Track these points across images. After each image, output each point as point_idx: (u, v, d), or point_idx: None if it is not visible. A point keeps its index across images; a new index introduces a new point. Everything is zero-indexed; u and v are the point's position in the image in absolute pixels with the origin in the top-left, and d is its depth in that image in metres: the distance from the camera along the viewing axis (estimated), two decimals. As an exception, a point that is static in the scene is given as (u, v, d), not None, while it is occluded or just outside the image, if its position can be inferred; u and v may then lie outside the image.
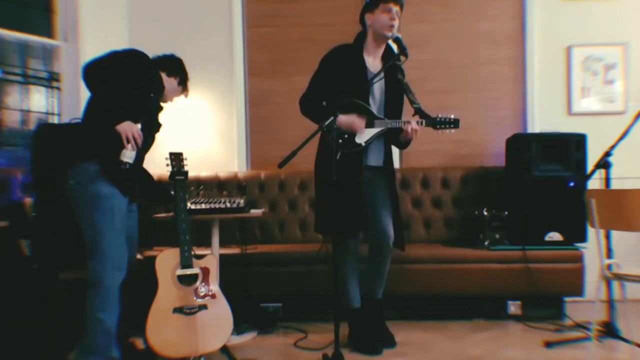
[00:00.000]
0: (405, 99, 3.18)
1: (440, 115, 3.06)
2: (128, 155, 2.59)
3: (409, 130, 3.01)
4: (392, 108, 3.16)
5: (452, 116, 3.06)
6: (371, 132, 3.07)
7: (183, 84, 3.06)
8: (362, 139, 3.06)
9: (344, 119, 3.02)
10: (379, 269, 3.21)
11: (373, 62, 3.16)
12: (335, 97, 2.97)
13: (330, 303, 2.76)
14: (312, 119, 3.11)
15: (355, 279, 3.19)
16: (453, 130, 3.07)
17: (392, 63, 3.06)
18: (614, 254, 3.10)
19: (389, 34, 3.07)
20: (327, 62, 3.18)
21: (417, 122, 3.04)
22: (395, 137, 3.14)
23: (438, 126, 3.06)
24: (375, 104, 3.13)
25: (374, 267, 3.20)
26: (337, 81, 3.07)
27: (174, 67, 3.01)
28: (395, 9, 3.04)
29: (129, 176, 2.67)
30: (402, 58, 3.07)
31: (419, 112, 3.06)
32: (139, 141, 2.61)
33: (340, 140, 3.05)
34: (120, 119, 2.58)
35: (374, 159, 3.17)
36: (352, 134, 3.07)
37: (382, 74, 3.06)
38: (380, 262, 3.20)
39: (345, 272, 3.16)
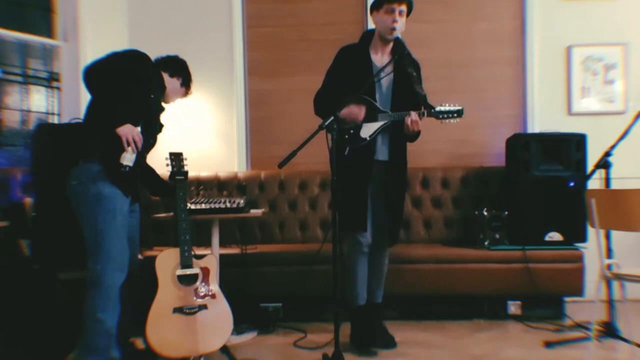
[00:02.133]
0: None
1: (442, 105, 3.00)
2: (128, 158, 2.59)
3: (408, 122, 2.96)
4: (401, 102, 3.09)
5: (456, 106, 3.00)
6: (375, 125, 3.04)
7: (186, 86, 3.05)
8: (366, 133, 3.04)
9: (343, 111, 3.02)
10: (376, 272, 3.23)
11: (381, 58, 3.14)
12: (343, 94, 2.98)
13: (330, 303, 2.76)
14: (323, 117, 3.09)
15: (365, 277, 3.16)
16: (458, 120, 3.00)
17: (394, 59, 3.04)
18: (614, 254, 3.10)
19: (389, 36, 3.06)
20: (337, 61, 3.19)
21: (419, 113, 2.98)
22: (402, 129, 3.07)
23: (441, 116, 2.99)
24: (382, 99, 3.11)
25: (371, 269, 3.21)
26: (346, 79, 3.07)
27: (177, 68, 3.01)
28: (399, 8, 3.01)
29: (130, 177, 2.67)
30: (412, 51, 3.06)
31: (423, 102, 3.01)
32: (139, 144, 2.61)
33: (346, 136, 3.05)
34: (121, 121, 2.58)
35: (382, 153, 3.14)
36: (358, 129, 3.06)
37: (390, 69, 3.05)
38: (377, 264, 3.22)
39: (354, 267, 3.13)
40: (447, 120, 3.00)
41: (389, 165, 3.15)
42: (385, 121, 3.04)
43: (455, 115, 2.99)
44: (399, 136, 3.14)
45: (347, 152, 3.01)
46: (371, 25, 4.36)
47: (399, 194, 3.21)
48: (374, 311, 3.24)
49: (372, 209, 3.12)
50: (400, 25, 3.05)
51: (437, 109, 2.99)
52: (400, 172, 3.20)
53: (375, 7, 3.09)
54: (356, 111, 3.03)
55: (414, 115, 2.97)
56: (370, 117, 3.05)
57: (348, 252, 3.13)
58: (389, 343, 3.15)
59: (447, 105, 3.01)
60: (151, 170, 3.03)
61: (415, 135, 3.09)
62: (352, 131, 3.06)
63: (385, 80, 3.11)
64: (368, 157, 3.08)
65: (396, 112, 3.05)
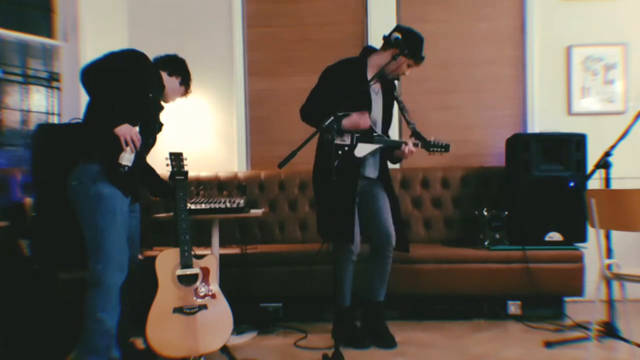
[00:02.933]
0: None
1: (433, 140, 3.21)
2: (127, 158, 2.59)
3: (406, 151, 3.15)
4: (386, 122, 3.31)
5: (445, 142, 3.22)
6: (370, 147, 3.15)
7: (185, 84, 3.05)
8: (360, 152, 3.14)
9: (346, 122, 3.08)
10: (381, 271, 3.24)
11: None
12: (336, 108, 2.97)
13: (330, 303, 2.76)
14: (313, 124, 3.12)
15: (350, 279, 3.21)
16: (443, 153, 3.26)
17: (378, 75, 3.13)
18: (614, 254, 3.10)
19: (393, 78, 3.23)
20: (329, 76, 3.21)
21: (413, 144, 3.17)
22: (390, 152, 3.29)
23: (431, 149, 3.22)
24: (373, 119, 3.19)
25: (376, 269, 3.23)
26: (340, 90, 3.07)
27: (176, 66, 3.00)
28: (415, 67, 3.19)
29: (130, 177, 2.67)
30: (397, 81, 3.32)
31: (414, 133, 3.22)
32: (138, 144, 2.61)
33: (340, 152, 3.12)
34: (119, 121, 2.58)
35: (370, 171, 3.25)
36: (352, 148, 3.13)
37: (377, 89, 3.21)
38: (382, 264, 3.23)
39: (341, 274, 3.16)
40: (434, 153, 3.24)
41: (378, 181, 3.27)
42: (381, 145, 3.18)
43: (443, 150, 3.24)
44: (386, 156, 3.33)
45: (337, 164, 3.03)
46: (371, 25, 4.38)
47: (396, 202, 3.34)
48: (376, 309, 3.25)
49: (370, 215, 3.21)
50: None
51: (429, 141, 3.21)
52: (391, 184, 3.35)
53: (399, 47, 3.05)
54: (361, 119, 3.10)
55: (410, 145, 3.16)
56: (367, 138, 3.15)
57: (337, 258, 3.13)
58: (390, 343, 3.16)
59: (435, 139, 3.23)
60: (151, 170, 3.03)
61: (400, 159, 3.34)
62: (346, 148, 3.12)
63: (377, 102, 3.22)
64: (356, 173, 3.17)
65: (384, 131, 3.27)
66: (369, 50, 3.29)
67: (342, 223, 3.08)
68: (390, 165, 3.39)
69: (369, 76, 3.18)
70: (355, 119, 3.08)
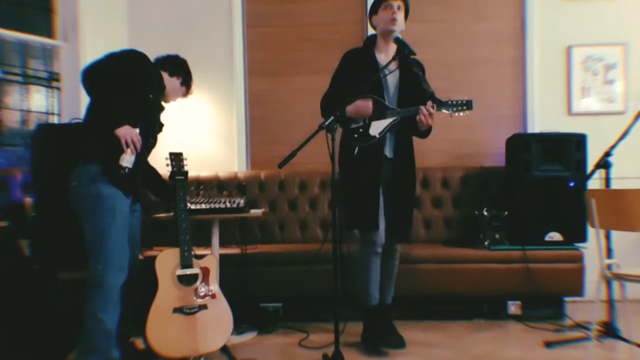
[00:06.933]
0: None
1: (452, 99, 2.97)
2: (127, 159, 2.59)
3: (422, 116, 2.94)
4: (409, 101, 3.08)
5: (465, 99, 2.95)
6: (384, 123, 3.05)
7: (186, 85, 3.05)
8: (375, 131, 3.06)
9: (350, 108, 3.05)
10: (387, 272, 3.24)
11: (385, 59, 3.16)
12: (352, 95, 2.99)
13: (330, 303, 2.76)
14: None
15: (377, 277, 3.16)
16: (467, 112, 2.94)
17: (402, 55, 3.06)
18: (614, 254, 3.10)
19: (392, 27, 3.08)
20: (342, 64, 3.23)
21: (431, 107, 2.95)
22: (414, 127, 3.07)
23: (451, 109, 2.95)
24: (389, 98, 3.13)
25: (382, 269, 3.21)
26: (352, 81, 3.08)
27: (177, 67, 3.00)
28: (395, 3, 3.07)
29: (131, 177, 2.67)
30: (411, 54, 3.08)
31: (431, 97, 3.01)
32: (138, 145, 2.61)
33: (355, 136, 3.08)
34: (119, 122, 2.58)
35: (389, 151, 3.15)
36: (366, 128, 3.07)
37: (394, 67, 3.08)
38: (387, 264, 3.22)
39: (368, 268, 3.13)
40: (457, 114, 2.95)
41: (395, 163, 3.15)
42: (395, 117, 3.05)
43: (464, 107, 2.94)
44: (406, 133, 3.17)
45: (357, 152, 3.03)
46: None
47: (408, 191, 3.21)
48: (384, 312, 3.24)
49: (382, 207, 3.12)
50: (400, 20, 3.10)
51: (446, 101, 2.95)
52: (409, 169, 3.19)
53: (373, 11, 3.18)
54: (364, 105, 3.05)
55: (423, 109, 2.94)
56: (379, 115, 3.06)
57: (361, 252, 3.14)
58: (399, 343, 3.14)
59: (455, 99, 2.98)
60: (155, 173, 3.02)
61: (427, 131, 3.12)
62: (361, 130, 3.08)
63: (392, 80, 3.13)
64: (377, 154, 3.08)
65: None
66: (372, 38, 3.26)
67: (365, 209, 3.04)
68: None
69: (377, 54, 3.16)
70: (358, 105, 3.05)
